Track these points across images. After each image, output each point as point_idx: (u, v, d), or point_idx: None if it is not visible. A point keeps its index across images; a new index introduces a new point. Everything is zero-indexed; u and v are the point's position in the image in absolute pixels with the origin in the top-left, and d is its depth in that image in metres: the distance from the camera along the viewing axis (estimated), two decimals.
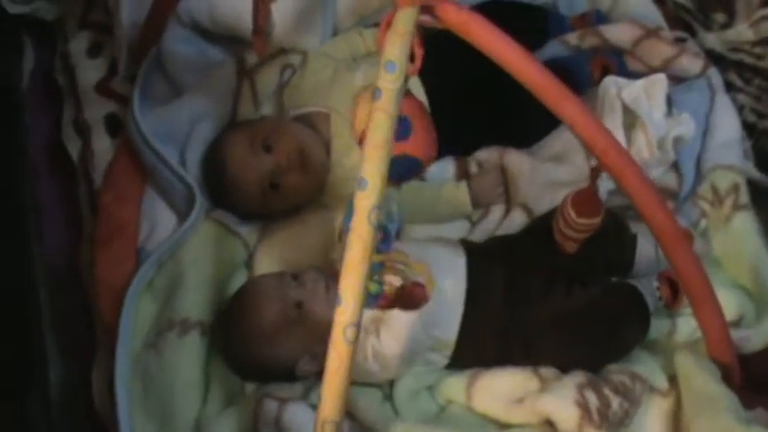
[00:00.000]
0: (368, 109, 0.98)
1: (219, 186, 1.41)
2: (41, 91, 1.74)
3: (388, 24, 0.97)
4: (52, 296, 1.53)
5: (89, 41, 1.68)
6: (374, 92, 0.93)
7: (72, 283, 1.50)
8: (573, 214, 1.17)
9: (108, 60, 1.64)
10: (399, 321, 1.20)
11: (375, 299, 1.03)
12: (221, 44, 1.57)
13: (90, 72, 1.64)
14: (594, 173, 1.11)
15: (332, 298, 1.17)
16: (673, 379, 1.24)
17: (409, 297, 1.09)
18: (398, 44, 0.95)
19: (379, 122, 0.92)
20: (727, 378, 1.19)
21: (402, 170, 1.01)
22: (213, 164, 1.42)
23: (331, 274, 1.26)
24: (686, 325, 1.31)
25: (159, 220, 1.43)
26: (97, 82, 1.62)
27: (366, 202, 0.90)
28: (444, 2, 1.00)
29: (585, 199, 1.17)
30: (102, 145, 1.55)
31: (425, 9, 0.99)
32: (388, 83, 0.93)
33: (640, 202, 1.05)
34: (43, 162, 1.66)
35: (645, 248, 1.33)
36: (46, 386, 1.46)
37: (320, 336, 1.17)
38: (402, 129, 0.98)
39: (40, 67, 1.77)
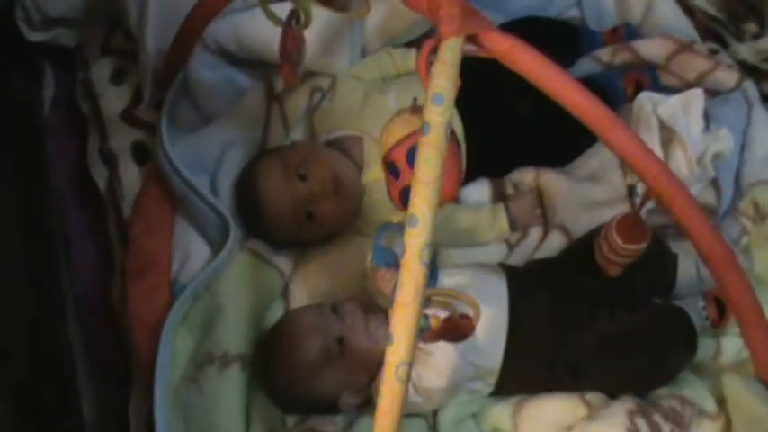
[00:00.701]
0: (394, 134, 1.01)
1: (253, 215, 1.41)
2: (63, 118, 1.73)
3: (429, 51, 0.96)
4: (83, 329, 1.52)
5: (112, 68, 1.67)
6: (423, 126, 0.93)
7: (104, 317, 1.50)
8: (619, 240, 1.17)
9: (132, 87, 1.64)
10: (437, 354, 1.19)
11: (421, 332, 0.99)
12: (248, 69, 1.56)
13: (114, 100, 1.63)
14: (643, 199, 1.10)
15: (372, 330, 1.23)
16: (721, 401, 1.23)
17: (455, 329, 1.08)
18: (446, 75, 0.94)
19: (428, 158, 0.91)
20: None
21: None
22: (246, 193, 1.41)
23: (369, 305, 1.26)
24: (732, 345, 1.30)
25: (192, 250, 1.42)
26: (122, 110, 1.61)
27: (417, 240, 0.88)
28: (489, 30, 0.99)
29: (631, 225, 1.17)
30: (130, 174, 1.54)
31: (470, 38, 0.98)
32: (437, 115, 0.92)
33: (691, 228, 1.04)
34: (69, 191, 1.65)
35: (686, 268, 1.32)
36: (80, 420, 1.45)
37: (363, 369, 1.23)
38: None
39: (62, 93, 1.76)
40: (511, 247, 1.43)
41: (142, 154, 1.57)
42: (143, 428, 1.32)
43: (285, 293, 1.40)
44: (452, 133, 0.99)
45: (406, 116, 1.02)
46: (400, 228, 0.94)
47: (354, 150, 1.44)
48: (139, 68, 1.58)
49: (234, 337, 1.30)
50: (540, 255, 1.40)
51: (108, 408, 1.45)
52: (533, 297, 1.26)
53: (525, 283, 1.28)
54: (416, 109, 1.01)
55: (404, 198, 0.98)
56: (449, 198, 0.99)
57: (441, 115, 0.92)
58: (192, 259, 1.41)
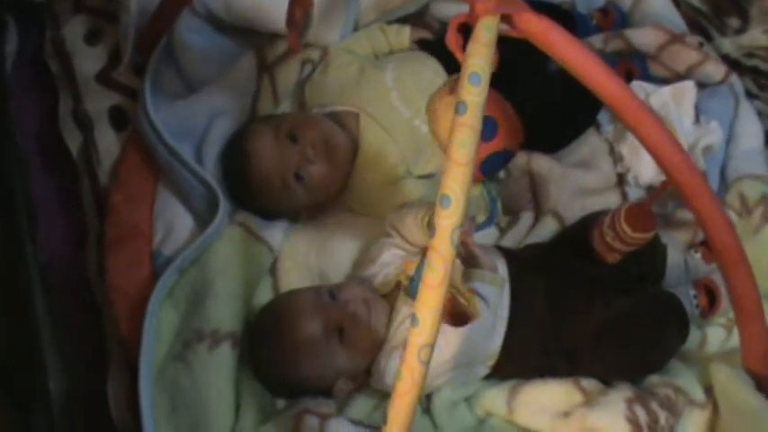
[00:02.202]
0: (447, 119, 0.96)
1: (241, 180, 1.36)
2: (28, 77, 1.64)
3: (458, 27, 0.94)
4: (51, 303, 1.45)
5: (86, 27, 1.59)
6: (457, 105, 0.90)
7: (74, 287, 1.44)
8: (627, 229, 1.17)
9: (108, 48, 1.56)
10: (445, 336, 1.16)
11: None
12: (236, 37, 1.50)
13: (89, 60, 1.55)
14: (660, 189, 1.10)
15: (374, 317, 1.22)
16: (708, 390, 1.24)
17: (458, 312, 1.07)
18: (482, 54, 0.91)
19: (463, 138, 0.89)
20: (760, 389, 1.19)
21: (493, 167, 1.01)
22: (235, 156, 1.37)
23: (368, 290, 1.25)
24: (716, 335, 1.32)
25: (176, 221, 1.37)
26: (98, 72, 1.53)
27: (449, 221, 0.87)
28: (523, 11, 0.97)
29: (639, 214, 1.17)
30: (107, 139, 1.47)
31: (504, 18, 0.96)
32: (474, 96, 0.90)
33: (708, 219, 1.04)
34: (35, 155, 1.56)
35: (675, 259, 1.34)
36: (47, 397, 1.39)
37: (362, 357, 1.22)
38: (488, 130, 0.96)
39: (26, 50, 1.66)
40: (502, 230, 1.42)
41: (120, 119, 1.50)
42: (123, 408, 1.28)
43: (273, 270, 1.37)
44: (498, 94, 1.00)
45: (448, 98, 1.00)
46: None
47: (350, 126, 1.41)
48: (119, 29, 1.50)
49: (225, 314, 1.27)
50: (531, 240, 1.39)
51: (79, 384, 1.39)
52: (532, 282, 1.26)
53: (524, 266, 1.28)
54: (454, 88, 0.97)
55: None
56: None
57: (477, 95, 0.90)
58: (176, 231, 1.36)
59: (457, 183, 0.88)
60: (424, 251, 0.93)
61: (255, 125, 1.40)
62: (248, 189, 1.37)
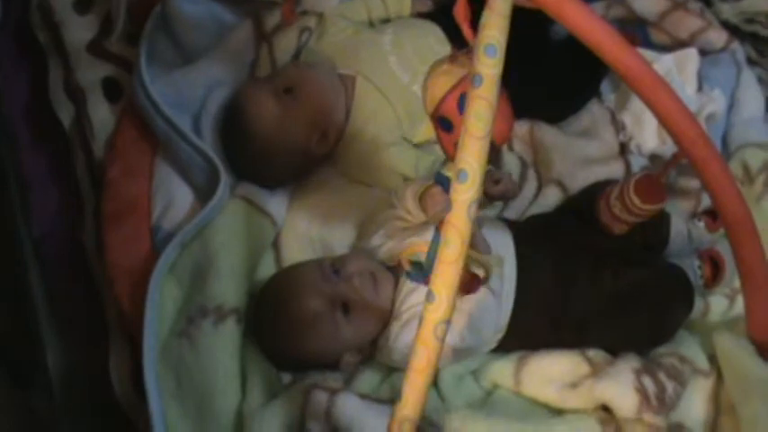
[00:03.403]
0: (439, 87, 0.97)
1: (242, 145, 1.36)
2: (13, 46, 1.60)
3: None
4: (47, 278, 1.43)
5: None
6: (473, 78, 0.89)
7: (70, 264, 1.42)
8: (637, 200, 1.17)
9: (99, 17, 1.53)
10: (469, 307, 1.17)
11: (422, 276, 0.98)
12: (232, 5, 1.49)
13: (79, 30, 1.52)
14: (673, 161, 1.10)
15: (380, 290, 1.21)
16: (712, 359, 1.25)
17: (461, 282, 1.07)
18: (499, 26, 0.90)
19: (479, 112, 0.88)
20: (763, 357, 1.20)
21: None
22: (234, 123, 1.36)
23: (372, 263, 1.25)
24: (719, 305, 1.32)
25: (175, 195, 1.36)
26: (89, 42, 1.51)
27: (466, 195, 0.87)
28: None
29: (649, 185, 1.16)
30: (101, 112, 1.45)
31: None
32: (489, 68, 0.89)
33: (720, 193, 1.05)
34: (24, 128, 1.53)
35: (678, 228, 1.34)
36: (46, 373, 1.38)
37: (368, 330, 1.22)
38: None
39: (10, 18, 1.62)
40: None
41: (114, 90, 1.47)
42: (126, 383, 1.27)
43: (275, 243, 1.37)
44: None
45: (445, 66, 0.98)
46: None
47: (347, 89, 1.41)
48: None
49: (229, 289, 1.25)
50: (535, 210, 1.39)
51: (78, 360, 1.38)
52: (538, 253, 1.25)
53: (529, 238, 1.27)
54: (455, 58, 0.97)
55: None
56: (503, 140, 0.98)
57: (493, 67, 0.89)
58: (176, 205, 1.35)
59: (473, 156, 0.87)
60: (437, 226, 0.92)
61: (250, 88, 1.39)
62: (250, 153, 1.36)
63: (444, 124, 0.96)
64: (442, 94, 0.95)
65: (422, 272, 0.95)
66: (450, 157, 0.97)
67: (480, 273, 1.12)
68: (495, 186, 1.32)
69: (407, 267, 1.01)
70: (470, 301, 1.15)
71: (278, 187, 1.40)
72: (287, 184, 1.41)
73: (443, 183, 0.98)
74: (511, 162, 1.44)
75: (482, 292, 1.15)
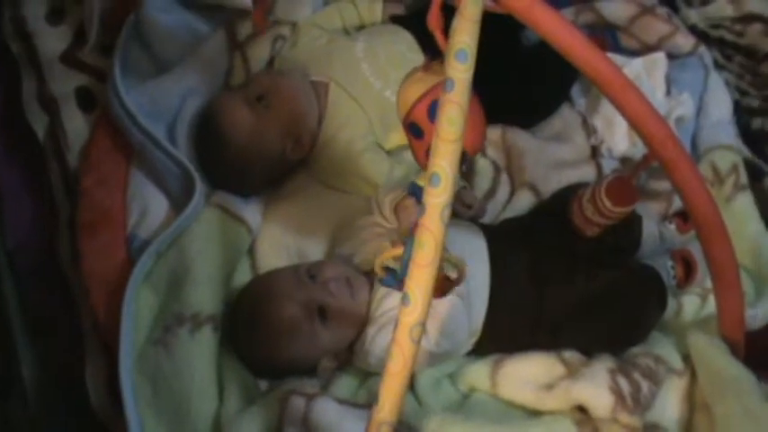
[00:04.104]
0: (411, 93, 0.97)
1: (215, 154, 1.36)
2: None
3: (439, 6, 0.92)
4: (21, 289, 1.41)
5: (48, 6, 1.55)
6: (445, 83, 0.89)
7: (45, 275, 1.40)
8: (608, 203, 1.17)
9: (72, 28, 1.52)
10: (442, 312, 1.17)
11: (396, 282, 0.99)
12: (205, 14, 1.49)
13: (52, 40, 1.51)
14: (644, 163, 1.10)
15: (356, 295, 1.21)
16: (686, 358, 1.25)
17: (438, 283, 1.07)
18: (469, 31, 0.89)
19: (451, 116, 0.87)
20: (735, 355, 1.20)
21: None
22: (207, 131, 1.37)
23: (347, 267, 1.25)
24: (691, 304, 1.33)
25: (150, 204, 1.35)
26: (63, 52, 1.50)
27: (439, 199, 0.86)
28: None
29: (621, 187, 1.16)
30: (75, 122, 1.44)
31: None
32: (461, 72, 0.88)
33: (690, 194, 1.05)
34: None
35: (650, 229, 1.34)
36: (21, 384, 1.36)
37: (345, 334, 1.22)
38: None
39: None
40: None
41: (88, 100, 1.47)
42: (103, 394, 1.26)
43: (251, 250, 1.37)
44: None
45: (419, 74, 0.98)
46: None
47: (319, 95, 1.41)
48: (84, 7, 1.47)
49: (205, 297, 1.25)
50: (508, 214, 1.40)
51: (53, 369, 1.36)
52: (512, 256, 1.26)
53: (503, 241, 1.28)
54: (428, 66, 0.98)
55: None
56: (475, 150, 0.98)
57: (464, 72, 0.88)
58: (152, 213, 1.35)
59: (446, 160, 0.86)
60: (411, 231, 0.91)
61: (223, 97, 1.39)
62: (224, 161, 1.36)
63: (415, 130, 0.96)
64: (413, 100, 0.95)
65: (396, 277, 0.95)
66: (420, 163, 0.97)
67: (452, 275, 1.12)
68: (467, 210, 1.34)
69: (381, 273, 1.00)
70: (440, 305, 1.15)
71: (253, 194, 1.39)
72: (262, 192, 1.41)
73: (417, 194, 0.99)
74: (484, 167, 1.44)
75: (449, 297, 1.12)
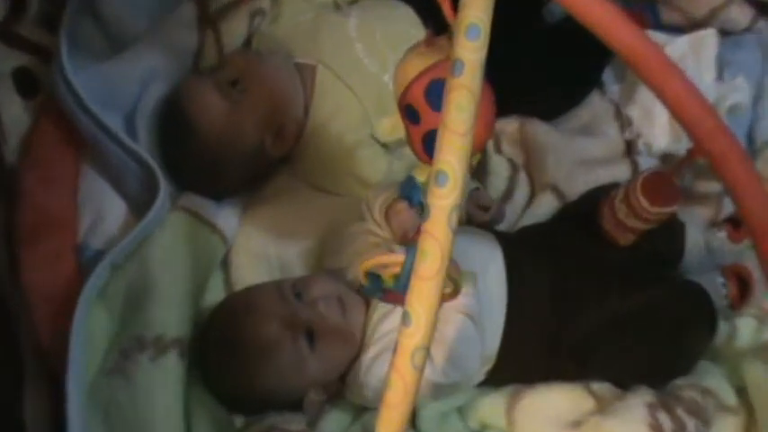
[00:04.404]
0: (409, 71, 0.98)
1: (184, 150, 1.39)
2: None
3: None
4: None
5: None
6: (453, 64, 0.91)
7: None
8: (645, 202, 1.20)
9: None
10: (450, 336, 1.20)
11: (381, 292, 1.03)
12: None
13: None
14: (688, 159, 1.14)
15: (349, 317, 1.24)
16: (740, 392, 1.28)
17: None
18: (483, 4, 0.93)
19: (460, 103, 0.88)
20: None
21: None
22: (174, 123, 1.40)
23: (339, 284, 1.27)
24: (747, 327, 1.35)
25: (105, 208, 1.39)
26: None
27: (445, 201, 0.86)
28: None
29: (661, 184, 1.19)
30: (13, 109, 1.45)
31: None
32: (471, 52, 0.90)
33: (744, 196, 1.07)
34: None
35: (695, 238, 1.38)
36: None
37: (336, 363, 1.24)
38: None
39: None
40: None
41: (28, 84, 1.48)
42: (46, 429, 1.28)
43: (225, 262, 1.40)
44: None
45: (421, 49, 1.00)
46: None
47: (304, 80, 1.44)
48: None
49: (170, 316, 1.28)
50: (528, 220, 1.43)
51: None
52: (532, 269, 1.29)
53: (522, 252, 1.30)
54: (432, 41, 1.00)
55: (428, 146, 0.99)
56: (480, 145, 1.01)
57: (476, 52, 0.89)
58: (107, 219, 1.38)
59: (454, 155, 0.87)
60: (413, 238, 0.95)
61: (192, 82, 1.42)
62: (193, 158, 1.39)
63: (411, 114, 0.98)
64: (410, 78, 0.97)
65: (381, 285, 0.99)
66: (415, 153, 1.00)
67: (447, 289, 1.15)
68: (483, 213, 1.36)
69: (363, 280, 1.03)
70: (448, 327, 1.18)
71: (228, 197, 1.43)
72: (238, 194, 1.44)
73: (411, 194, 1.02)
74: (499, 165, 1.47)
75: (459, 318, 1.18)
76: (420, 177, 1.01)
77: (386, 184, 1.35)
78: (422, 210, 1.09)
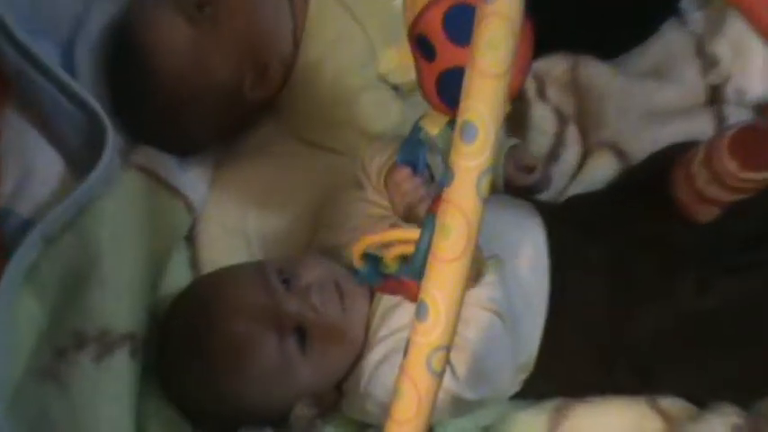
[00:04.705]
0: None
1: (136, 86, 1.38)
2: None
3: None
4: None
5: None
6: None
7: None
8: (733, 165, 1.17)
9: None
10: (474, 339, 1.19)
11: (380, 277, 1.04)
12: None
13: None
14: None
15: (349, 309, 1.25)
16: None
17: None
18: None
19: (494, 37, 0.85)
20: None
21: (455, 92, 0.96)
22: (128, 55, 1.39)
23: (340, 265, 1.28)
24: None
25: (35, 165, 1.36)
26: None
27: (474, 162, 0.85)
28: None
29: (755, 143, 1.16)
30: None
31: None
32: None
33: None
34: None
35: None
36: None
37: (330, 370, 1.25)
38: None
39: None
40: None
41: None
42: None
43: (191, 238, 1.40)
44: None
45: None
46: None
47: (293, 3, 1.44)
48: None
49: (119, 305, 1.27)
50: (579, 187, 1.42)
51: None
52: (583, 252, 1.28)
53: (570, 229, 1.30)
54: None
55: (442, 90, 1.01)
56: (513, 93, 0.99)
57: None
58: (37, 179, 1.35)
59: (485, 103, 0.86)
60: (430, 209, 0.94)
61: (148, 3, 1.41)
62: (151, 102, 1.38)
63: (424, 48, 0.98)
64: (424, 2, 0.97)
65: (379, 269, 1.00)
66: (426, 98, 1.00)
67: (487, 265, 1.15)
68: (526, 176, 1.36)
69: (358, 263, 1.03)
70: (469, 328, 1.18)
71: (196, 154, 1.42)
72: (209, 150, 1.43)
73: (415, 156, 1.04)
74: (542, 117, 1.47)
75: (483, 315, 1.18)
76: (431, 129, 1.02)
77: (387, 138, 1.33)
78: (430, 178, 1.15)
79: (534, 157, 1.38)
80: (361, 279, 1.04)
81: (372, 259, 1.01)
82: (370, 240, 1.04)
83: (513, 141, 1.38)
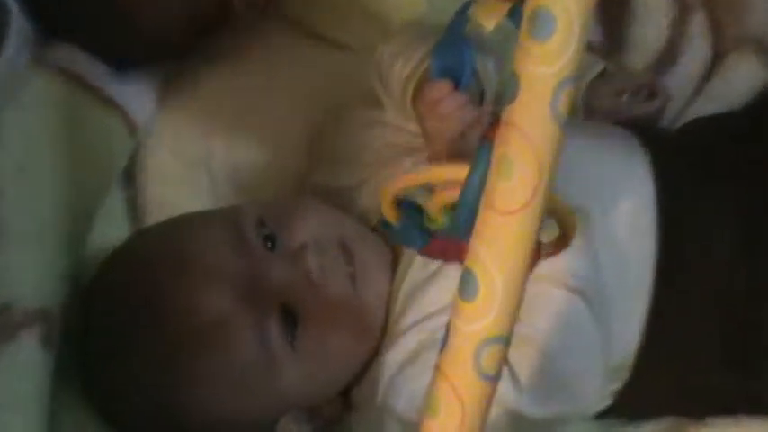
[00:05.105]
0: None
1: None
2: None
3: None
4: None
5: None
6: None
7: None
8: None
9: None
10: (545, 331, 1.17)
11: (424, 235, 1.03)
12: None
13: None
14: None
15: (362, 281, 1.24)
16: None
17: None
18: None
19: None
20: None
21: None
22: None
23: (349, 215, 1.30)
24: None
25: None
26: None
27: (548, 68, 0.80)
28: None
29: None
30: None
31: None
32: None
33: None
34: None
35: None
36: None
37: (330, 369, 1.25)
38: None
39: None
40: None
41: None
42: None
43: (131, 172, 1.40)
44: None
45: None
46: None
47: None
48: None
49: (27, 270, 1.26)
50: (705, 107, 1.43)
51: None
52: (707, 203, 1.27)
53: (688, 171, 1.29)
54: None
55: None
56: None
57: None
58: None
59: None
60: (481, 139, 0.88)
61: None
62: None
63: None
64: None
65: (421, 226, 0.99)
66: None
67: (546, 237, 1.06)
68: (645, 103, 1.36)
69: (390, 215, 1.02)
70: (539, 314, 1.16)
71: (144, 61, 1.44)
72: (164, 53, 1.44)
73: (460, 60, 1.01)
74: (656, 4, 1.45)
75: (561, 296, 1.17)
76: (483, 21, 1.00)
77: (415, 30, 1.29)
78: (481, 95, 1.11)
79: (647, 74, 1.36)
80: (395, 238, 1.03)
81: (411, 211, 0.98)
82: (407, 181, 1.01)
83: (602, 65, 1.35)
